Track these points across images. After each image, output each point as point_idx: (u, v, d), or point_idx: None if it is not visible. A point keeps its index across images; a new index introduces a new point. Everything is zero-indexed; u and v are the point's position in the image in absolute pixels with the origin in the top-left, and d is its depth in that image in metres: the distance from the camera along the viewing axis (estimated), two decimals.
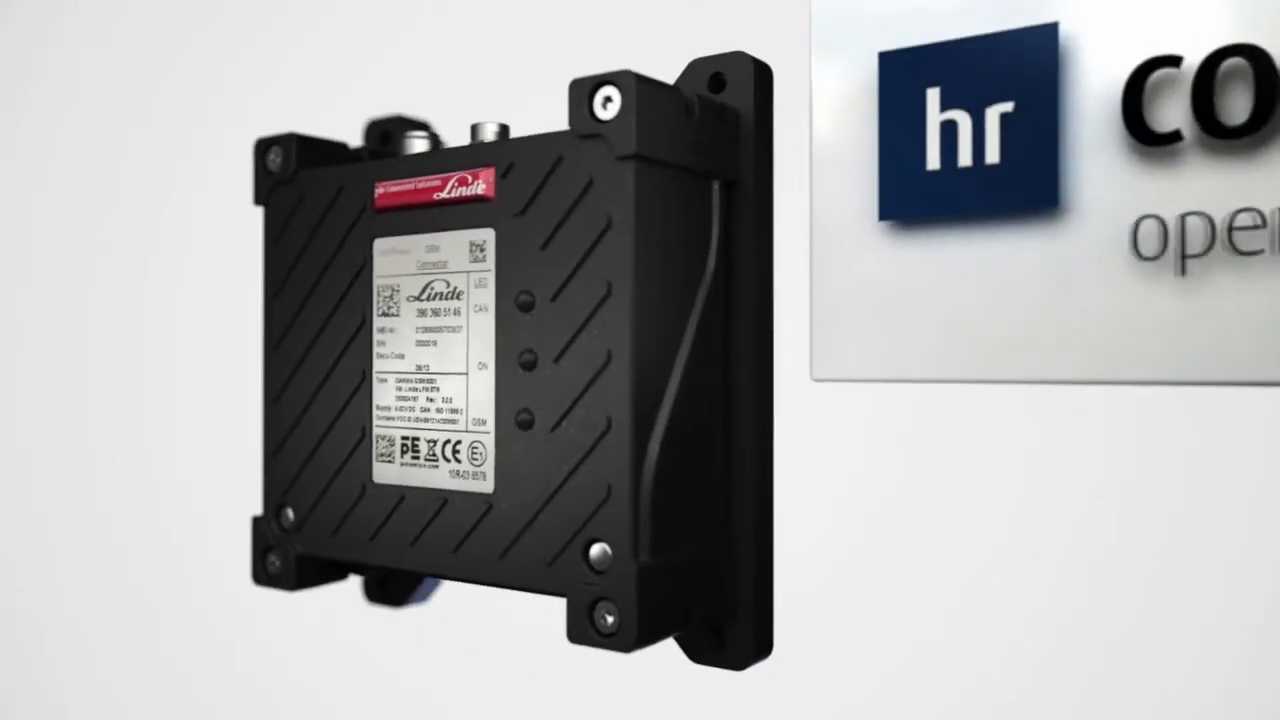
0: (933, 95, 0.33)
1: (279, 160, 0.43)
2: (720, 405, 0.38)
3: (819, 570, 0.39)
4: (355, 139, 0.49)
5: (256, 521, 0.44)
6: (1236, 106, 0.28)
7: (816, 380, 0.36)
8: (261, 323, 0.44)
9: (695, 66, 0.39)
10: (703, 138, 0.36)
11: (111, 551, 0.60)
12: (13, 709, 0.62)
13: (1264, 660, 0.33)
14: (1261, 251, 0.28)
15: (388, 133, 0.48)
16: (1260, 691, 0.33)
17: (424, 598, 0.48)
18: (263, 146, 0.44)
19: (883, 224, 0.34)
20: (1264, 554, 0.32)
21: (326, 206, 0.42)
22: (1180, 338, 0.29)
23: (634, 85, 0.34)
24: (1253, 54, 0.28)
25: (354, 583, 0.48)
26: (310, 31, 0.54)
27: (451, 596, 0.48)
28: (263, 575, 0.44)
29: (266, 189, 0.44)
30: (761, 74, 0.39)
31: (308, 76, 0.54)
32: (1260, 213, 0.28)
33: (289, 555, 0.43)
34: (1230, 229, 0.29)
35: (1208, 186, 0.29)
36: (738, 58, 0.38)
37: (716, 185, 0.37)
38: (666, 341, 0.35)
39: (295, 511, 0.43)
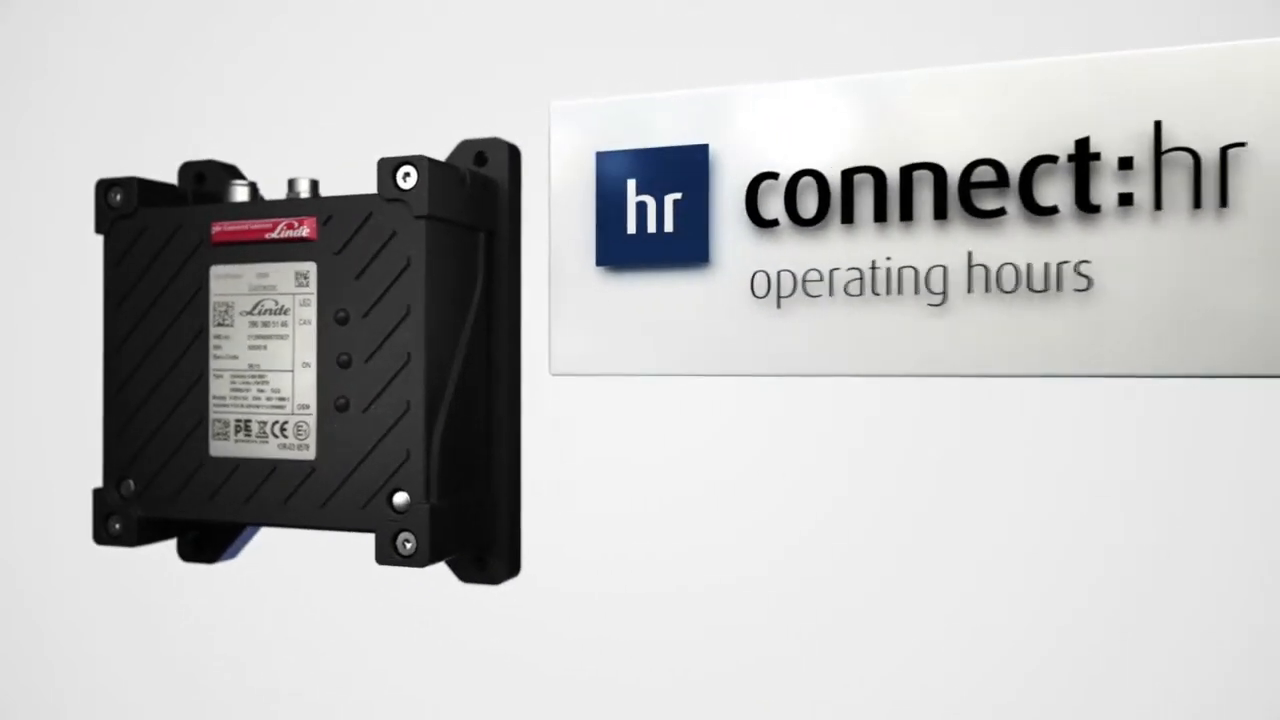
0: (631, 183, 0.49)
1: (121, 198, 0.53)
2: (484, 392, 0.52)
3: (555, 513, 0.54)
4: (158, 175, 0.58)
5: (98, 492, 0.53)
6: (809, 206, 0.47)
7: (554, 374, 0.51)
8: (102, 330, 0.54)
9: (464, 145, 0.53)
10: (472, 201, 0.51)
11: None
12: None
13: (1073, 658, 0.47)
14: (821, 295, 0.47)
15: (201, 174, 0.59)
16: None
17: (234, 554, 0.59)
18: (104, 186, 0.53)
19: (599, 268, 0.50)
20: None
21: (167, 238, 0.52)
22: (779, 346, 0.47)
23: (427, 165, 0.48)
24: (816, 175, 0.47)
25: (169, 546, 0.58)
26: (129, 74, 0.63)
27: (260, 550, 0.59)
28: (104, 536, 0.53)
29: (108, 221, 0.53)
30: (513, 153, 0.54)
31: (119, 118, 0.63)
32: (820, 271, 0.47)
33: (130, 518, 0.53)
34: (805, 281, 0.47)
35: (793, 254, 0.47)
36: (496, 141, 0.53)
37: (482, 235, 0.52)
38: (448, 346, 0.50)
39: (136, 482, 0.53)
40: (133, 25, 0.64)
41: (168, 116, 0.62)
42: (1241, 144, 0.42)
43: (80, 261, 0.59)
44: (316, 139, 0.59)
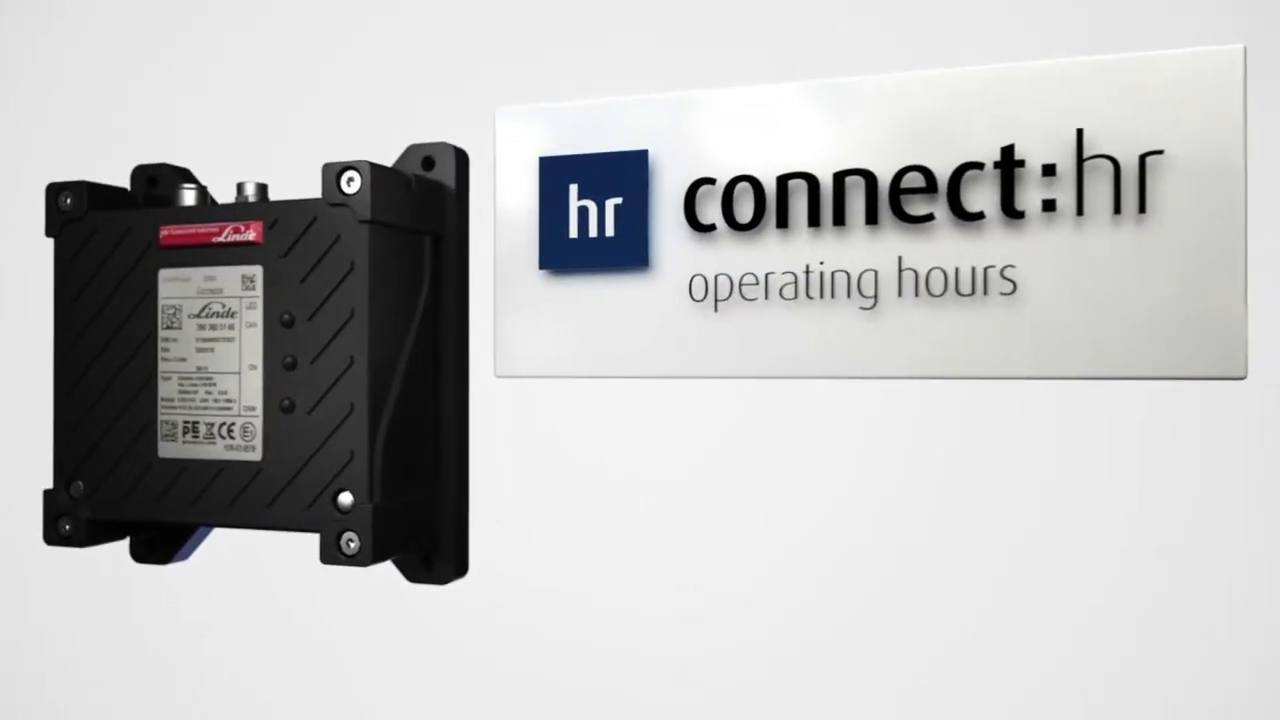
0: (573, 188, 0.50)
1: (71, 202, 0.54)
2: (430, 393, 0.53)
3: (501, 515, 0.55)
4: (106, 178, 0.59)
5: (48, 493, 0.54)
6: (745, 211, 0.48)
7: (499, 376, 0.52)
8: (52, 333, 0.54)
9: (412, 150, 0.54)
10: (418, 205, 0.52)
11: None
12: None
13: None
14: (757, 299, 0.48)
15: (154, 178, 0.59)
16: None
17: (186, 556, 0.59)
18: (54, 190, 0.54)
19: (541, 271, 0.51)
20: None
21: (116, 242, 0.53)
22: (716, 348, 0.48)
23: (369, 171, 0.49)
24: (753, 181, 0.48)
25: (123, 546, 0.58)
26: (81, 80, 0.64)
27: (211, 551, 0.59)
28: (54, 537, 0.54)
29: (58, 225, 0.54)
30: (461, 158, 0.54)
31: (70, 123, 0.63)
32: (756, 274, 0.47)
33: (80, 519, 0.53)
34: (741, 284, 0.48)
35: (730, 259, 0.48)
36: (443, 146, 0.54)
37: (428, 239, 0.53)
38: (393, 348, 0.50)
39: (86, 483, 0.53)
40: (92, 30, 0.64)
41: (124, 121, 0.63)
42: (1159, 151, 0.43)
43: (32, 264, 0.59)
44: (268, 143, 0.59)
